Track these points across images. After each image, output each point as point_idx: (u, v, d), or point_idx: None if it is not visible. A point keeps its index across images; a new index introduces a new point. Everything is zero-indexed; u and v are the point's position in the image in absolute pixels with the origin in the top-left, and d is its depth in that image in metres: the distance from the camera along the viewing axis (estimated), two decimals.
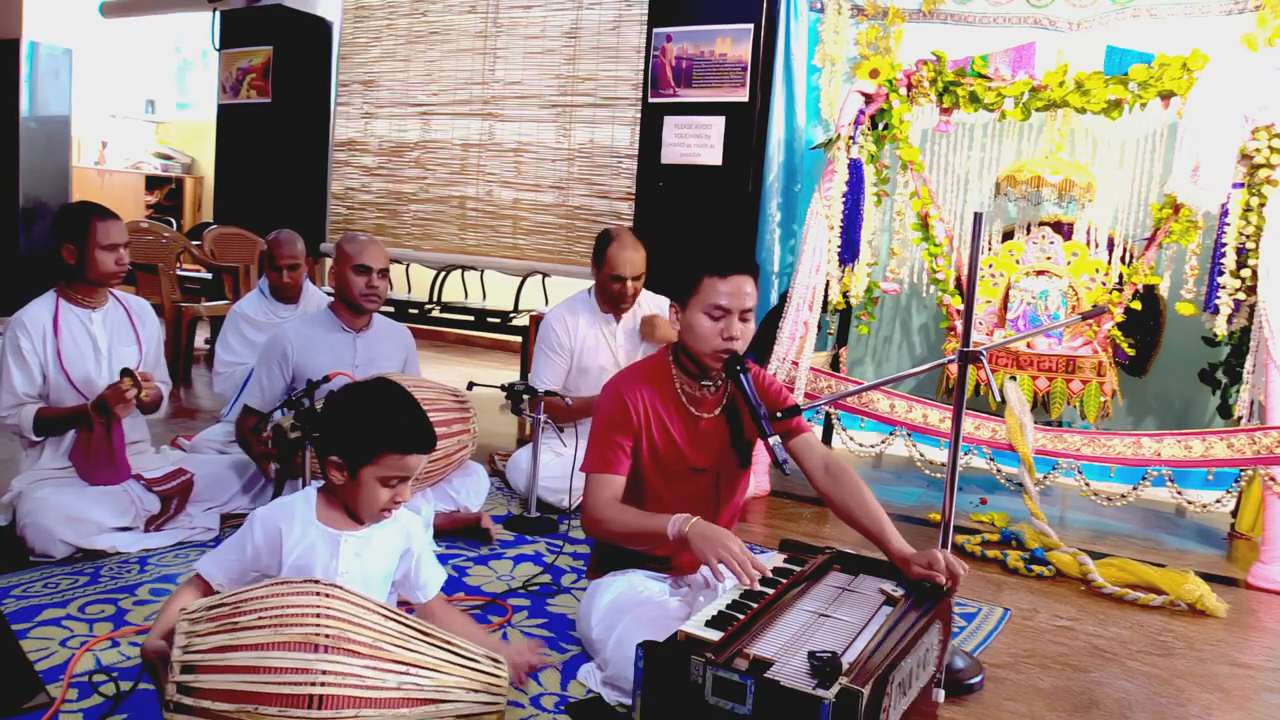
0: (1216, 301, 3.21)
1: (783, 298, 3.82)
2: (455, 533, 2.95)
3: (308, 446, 2.43)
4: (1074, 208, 3.58)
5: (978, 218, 2.10)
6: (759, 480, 3.73)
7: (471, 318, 5.44)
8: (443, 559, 2.73)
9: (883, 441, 3.59)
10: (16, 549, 2.55)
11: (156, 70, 9.52)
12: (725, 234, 4.50)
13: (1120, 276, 3.51)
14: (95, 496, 2.63)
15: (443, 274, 5.78)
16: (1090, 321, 3.44)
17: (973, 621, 2.57)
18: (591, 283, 3.49)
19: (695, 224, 4.61)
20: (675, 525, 1.89)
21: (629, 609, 2.01)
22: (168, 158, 9.51)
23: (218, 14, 6.44)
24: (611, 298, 3.37)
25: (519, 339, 5.36)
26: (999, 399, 3.38)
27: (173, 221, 8.52)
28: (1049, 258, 3.58)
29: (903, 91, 3.67)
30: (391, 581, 1.90)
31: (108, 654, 2.02)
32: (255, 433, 2.84)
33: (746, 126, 4.51)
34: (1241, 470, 3.12)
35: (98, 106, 8.77)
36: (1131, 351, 3.57)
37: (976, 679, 2.17)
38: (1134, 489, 3.20)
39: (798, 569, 1.92)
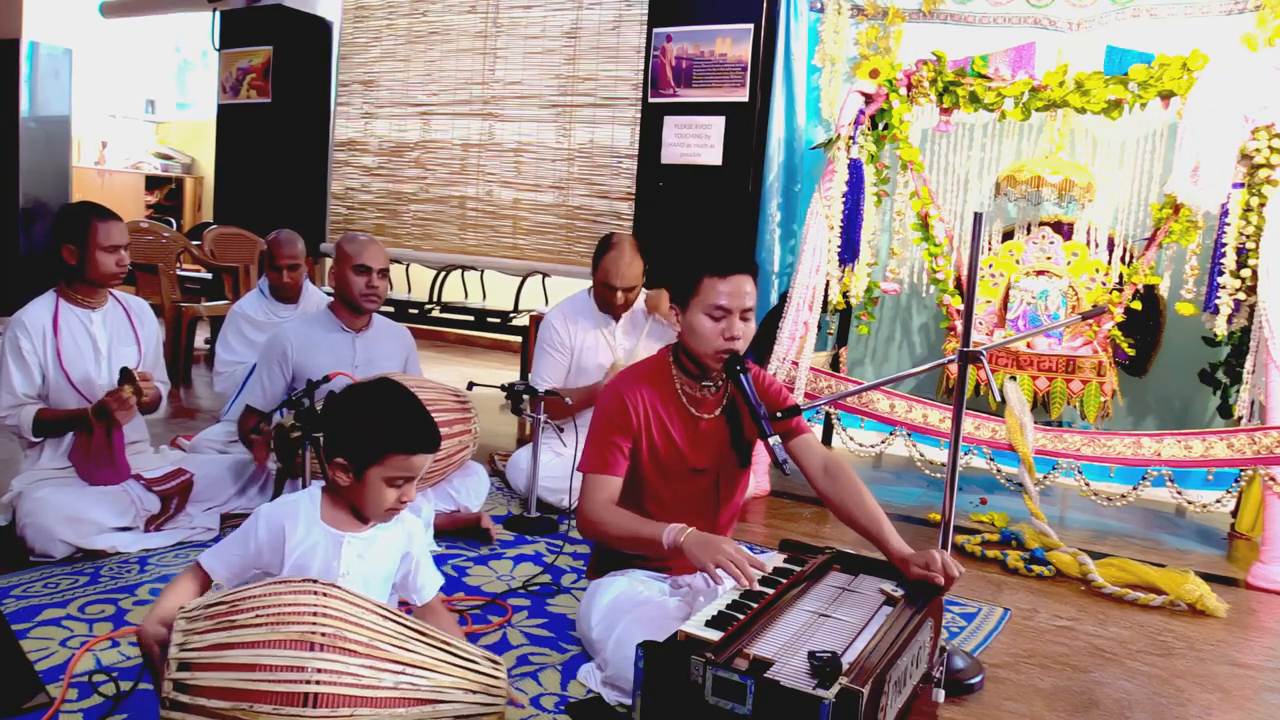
0: (1216, 301, 3.21)
1: (783, 298, 3.82)
2: (455, 533, 2.95)
3: (307, 446, 2.43)
4: (1074, 208, 3.58)
5: (978, 218, 2.10)
6: (759, 480, 3.73)
7: (471, 318, 5.44)
8: (443, 559, 2.74)
9: (883, 441, 3.59)
10: (16, 549, 2.55)
11: (156, 70, 9.52)
12: (725, 234, 4.50)
13: (1120, 276, 3.51)
14: (95, 496, 2.63)
15: (443, 274, 5.78)
16: (1090, 321, 3.44)
17: (973, 621, 2.57)
18: (591, 283, 3.50)
19: (695, 224, 4.61)
20: (671, 535, 1.89)
21: (629, 609, 2.01)
22: (168, 158, 9.51)
23: (218, 14, 6.44)
24: (604, 303, 3.41)
25: (519, 339, 5.36)
26: (999, 399, 3.38)
27: (173, 221, 8.52)
28: (1049, 258, 3.58)
29: (903, 91, 3.67)
30: (392, 584, 1.90)
31: (108, 654, 2.02)
32: (256, 432, 2.84)
33: (746, 126, 4.51)
34: (1241, 470, 3.11)
35: (98, 106, 8.77)
36: (1131, 351, 3.57)
37: (976, 679, 2.17)
38: (1134, 489, 3.20)
39: (798, 569, 1.92)
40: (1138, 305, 3.45)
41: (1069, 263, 3.55)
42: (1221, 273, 3.20)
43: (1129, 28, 3.66)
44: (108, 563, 2.56)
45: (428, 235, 5.81)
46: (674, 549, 1.88)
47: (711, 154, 4.62)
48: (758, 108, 4.45)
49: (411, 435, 1.74)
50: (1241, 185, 3.18)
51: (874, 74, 3.67)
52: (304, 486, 2.16)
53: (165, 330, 3.38)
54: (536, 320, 4.71)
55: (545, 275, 5.55)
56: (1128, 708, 2.14)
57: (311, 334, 3.00)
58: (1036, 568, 3.01)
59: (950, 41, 3.76)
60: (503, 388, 3.15)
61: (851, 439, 3.68)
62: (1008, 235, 3.74)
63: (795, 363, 3.64)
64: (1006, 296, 3.61)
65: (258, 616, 1.54)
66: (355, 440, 1.73)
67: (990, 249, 3.72)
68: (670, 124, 4.72)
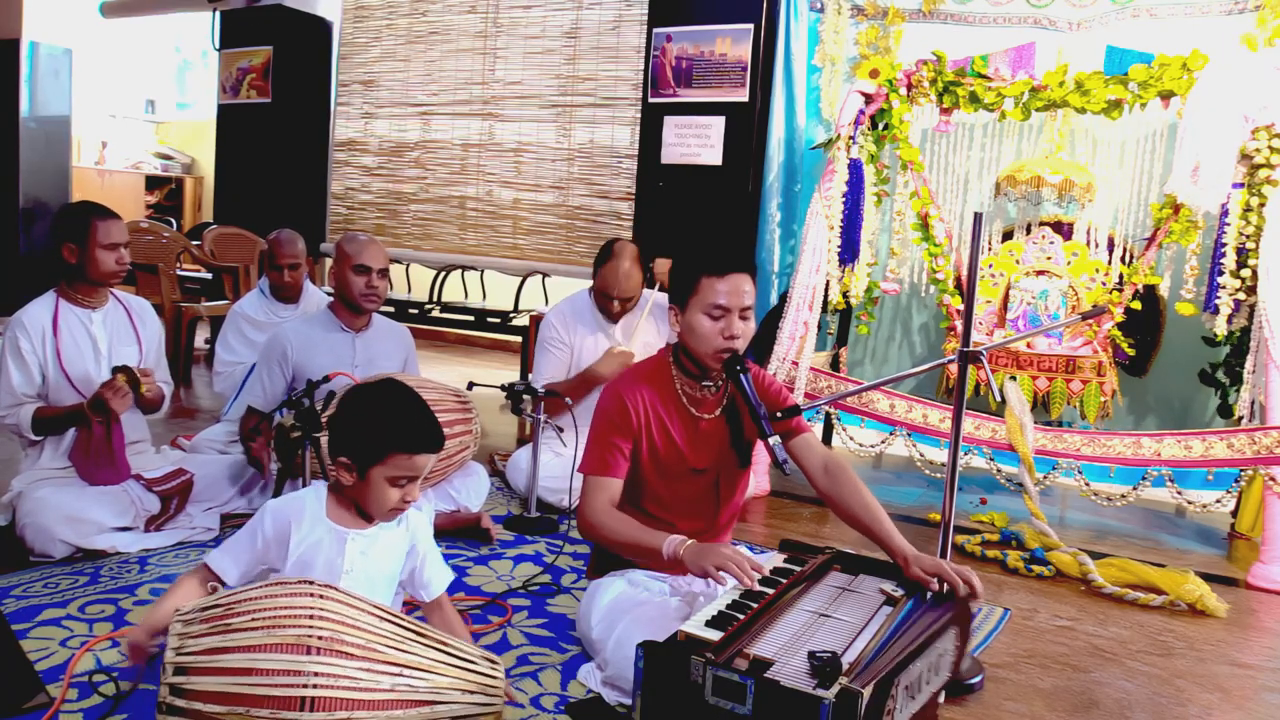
0: (1216, 301, 3.21)
1: (783, 298, 3.82)
2: (455, 533, 2.94)
3: (307, 446, 2.44)
4: (1074, 208, 3.58)
5: (978, 218, 2.10)
6: (759, 480, 3.73)
7: (471, 318, 5.44)
8: (443, 559, 2.73)
9: (883, 441, 3.59)
10: (16, 549, 2.55)
11: (156, 70, 9.51)
12: (725, 234, 4.50)
13: (1120, 276, 3.51)
14: (95, 496, 2.62)
15: (443, 274, 5.78)
16: (1090, 321, 3.44)
17: (973, 621, 2.56)
18: (591, 283, 3.50)
19: (695, 224, 4.61)
20: (671, 547, 1.89)
21: (629, 609, 2.01)
22: (168, 158, 9.51)
23: (218, 14, 6.44)
24: (603, 308, 3.43)
25: (519, 339, 5.36)
26: (999, 399, 3.38)
27: (173, 221, 8.51)
28: (1049, 258, 3.58)
29: (903, 91, 3.67)
30: (399, 581, 1.90)
31: (108, 654, 2.02)
32: (256, 433, 2.84)
33: (746, 126, 4.51)
34: (1241, 470, 3.11)
35: (98, 106, 8.77)
36: (1131, 351, 3.57)
37: (976, 679, 2.17)
38: (1134, 489, 3.20)
39: (798, 569, 1.92)
40: (1138, 305, 3.45)
41: (1069, 263, 3.55)
42: (1221, 273, 3.20)
43: (1129, 28, 3.66)
44: (108, 563, 2.56)
45: (428, 235, 5.82)
46: (674, 560, 1.88)
47: (711, 154, 4.62)
48: (758, 108, 4.45)
49: (414, 435, 1.74)
50: (1241, 185, 3.18)
51: (874, 74, 3.67)
52: (304, 487, 2.16)
53: (165, 330, 3.37)
54: (536, 320, 4.71)
55: (545, 275, 5.55)
56: (1128, 708, 2.14)
57: (311, 334, 3.00)
58: (1036, 568, 3.01)
59: (950, 41, 3.76)
60: (503, 388, 3.15)
61: (851, 439, 3.68)
62: (1008, 235, 3.74)
63: (795, 363, 3.64)
64: (1006, 296, 3.61)
65: (254, 620, 1.54)
66: (358, 440, 1.73)
67: (990, 249, 3.72)
68: (670, 124, 4.72)
